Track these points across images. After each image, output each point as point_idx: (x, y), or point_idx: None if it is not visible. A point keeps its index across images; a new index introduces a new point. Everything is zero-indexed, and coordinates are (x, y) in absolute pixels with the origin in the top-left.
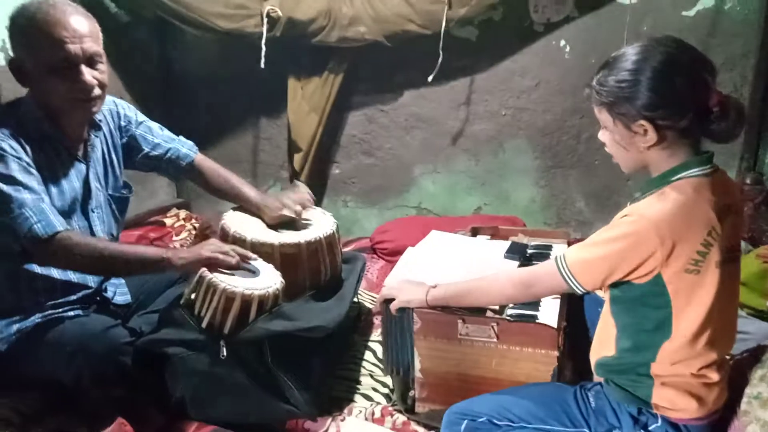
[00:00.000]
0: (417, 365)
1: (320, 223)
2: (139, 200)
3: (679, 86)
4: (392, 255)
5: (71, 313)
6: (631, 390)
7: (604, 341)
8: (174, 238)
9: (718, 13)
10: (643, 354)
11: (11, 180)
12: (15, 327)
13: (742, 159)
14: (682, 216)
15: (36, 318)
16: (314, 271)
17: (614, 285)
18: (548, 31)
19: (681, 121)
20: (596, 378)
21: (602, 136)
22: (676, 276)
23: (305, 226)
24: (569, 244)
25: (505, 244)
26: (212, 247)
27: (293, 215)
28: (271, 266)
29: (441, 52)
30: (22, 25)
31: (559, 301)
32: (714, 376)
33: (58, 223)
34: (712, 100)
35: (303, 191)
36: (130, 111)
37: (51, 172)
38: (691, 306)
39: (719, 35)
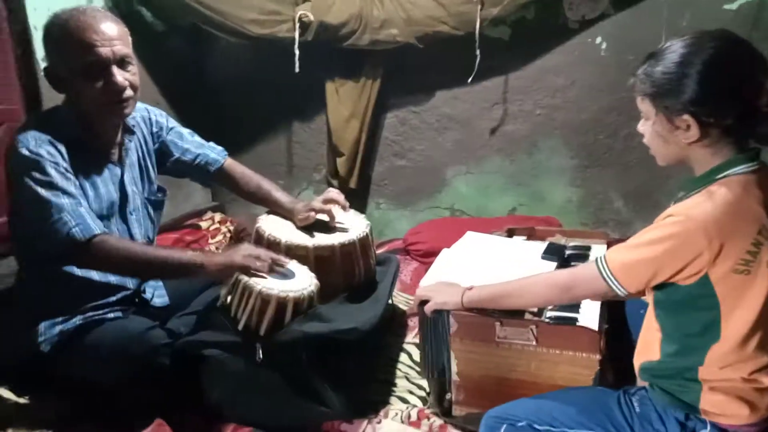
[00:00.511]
0: (453, 368)
1: (354, 226)
2: (175, 203)
3: (729, 83)
4: (426, 256)
5: (111, 315)
6: (677, 395)
7: (649, 345)
8: (209, 241)
9: (762, 6)
10: (690, 358)
11: (50, 185)
12: (58, 328)
13: None
14: (730, 215)
15: (78, 320)
16: (348, 273)
17: (658, 287)
18: (583, 29)
19: (727, 120)
20: (640, 382)
21: (641, 127)
22: (725, 277)
23: (339, 229)
24: (609, 244)
25: (542, 245)
26: (245, 252)
27: (325, 218)
28: (305, 268)
29: (478, 53)
30: (55, 33)
31: (599, 302)
32: (766, 380)
33: (96, 227)
34: (762, 100)
35: (333, 193)
36: (161, 117)
37: (88, 177)
38: (740, 307)
39: (763, 29)
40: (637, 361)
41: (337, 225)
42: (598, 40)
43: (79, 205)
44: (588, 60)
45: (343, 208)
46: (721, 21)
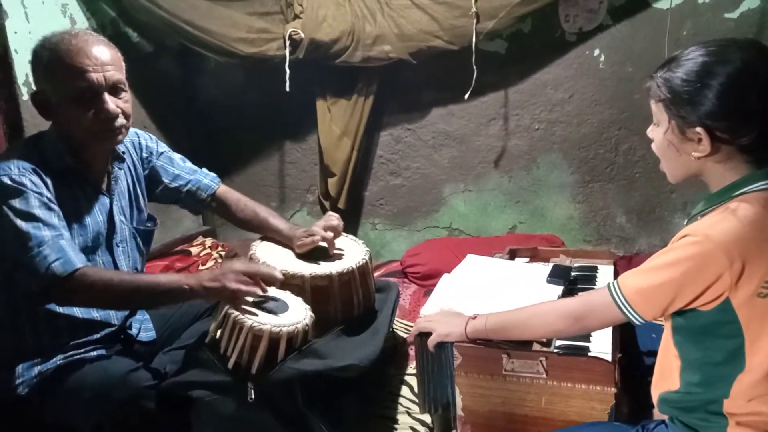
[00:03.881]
0: (459, 403)
1: (352, 252)
2: (165, 229)
3: (752, 100)
4: (424, 279)
5: (94, 354)
6: (701, 430)
7: (667, 373)
8: (200, 267)
9: (764, 14)
10: (714, 389)
11: (30, 216)
12: (36, 369)
13: None
14: (751, 234)
15: (58, 359)
16: (347, 303)
17: (677, 313)
18: (581, 41)
19: (742, 139)
20: (658, 415)
21: (651, 132)
22: (748, 301)
23: (338, 256)
24: (615, 264)
25: (546, 268)
26: (236, 278)
27: (324, 243)
28: (300, 299)
29: (474, 67)
30: (45, 56)
31: (611, 329)
32: None
33: (78, 260)
34: None
35: (334, 220)
36: (151, 142)
37: (74, 207)
38: (766, 335)
39: (767, 38)
40: (656, 391)
41: (336, 252)
42: (597, 52)
43: (60, 238)
44: (586, 73)
45: (338, 234)
46: (723, 30)
